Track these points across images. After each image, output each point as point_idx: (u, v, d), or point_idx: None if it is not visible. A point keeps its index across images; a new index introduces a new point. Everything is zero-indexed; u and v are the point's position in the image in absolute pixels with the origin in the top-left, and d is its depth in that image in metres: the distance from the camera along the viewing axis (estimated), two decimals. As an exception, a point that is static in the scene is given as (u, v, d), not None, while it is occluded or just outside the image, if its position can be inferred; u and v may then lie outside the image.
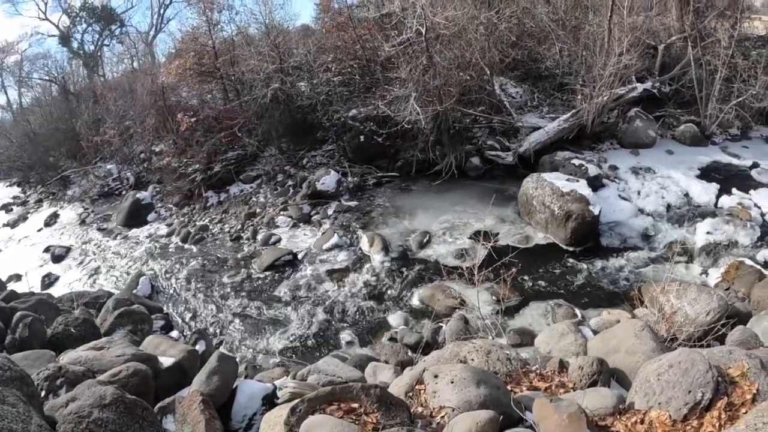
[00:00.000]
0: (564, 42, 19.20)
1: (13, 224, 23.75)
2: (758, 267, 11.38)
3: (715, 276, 11.71)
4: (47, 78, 37.37)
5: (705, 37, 19.04)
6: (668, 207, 14.33)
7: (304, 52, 20.61)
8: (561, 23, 20.24)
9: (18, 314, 9.43)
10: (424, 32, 15.86)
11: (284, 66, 19.56)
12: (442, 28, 16.60)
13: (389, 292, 12.31)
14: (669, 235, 13.36)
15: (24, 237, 21.45)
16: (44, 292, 14.29)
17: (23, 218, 24.24)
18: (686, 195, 14.74)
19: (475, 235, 13.18)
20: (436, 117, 16.42)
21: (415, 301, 11.85)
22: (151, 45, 35.79)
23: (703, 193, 14.68)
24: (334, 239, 14.41)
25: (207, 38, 19.86)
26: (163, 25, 37.35)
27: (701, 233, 13.03)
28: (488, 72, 17.90)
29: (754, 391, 4.88)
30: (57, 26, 36.88)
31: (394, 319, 11.40)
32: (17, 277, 16.59)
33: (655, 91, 18.88)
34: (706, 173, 15.86)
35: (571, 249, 12.98)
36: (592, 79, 16.70)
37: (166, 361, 7.24)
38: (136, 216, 18.95)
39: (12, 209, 26.79)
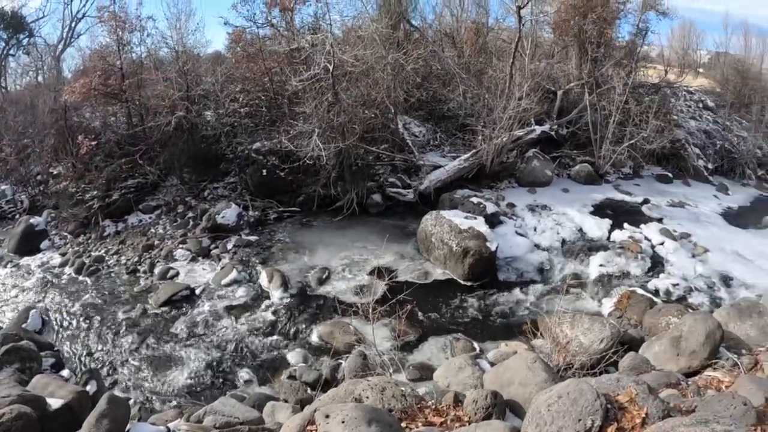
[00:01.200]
0: (468, 85, 19.87)
1: None
2: (649, 295, 12.11)
3: (608, 305, 12.28)
4: (-57, 84, 34.65)
5: (601, 84, 20.32)
6: (563, 242, 14.87)
7: (213, 80, 20.21)
8: (466, 67, 20.97)
9: None
10: (331, 69, 15.95)
11: (191, 94, 19.01)
12: (350, 66, 16.75)
13: (288, 328, 11.96)
14: (564, 268, 13.92)
15: None
16: (-77, 327, 12.96)
17: None
18: (580, 230, 15.34)
19: (375, 272, 13.25)
20: (338, 153, 16.41)
21: (314, 338, 11.57)
22: (59, 59, 33.88)
23: (596, 228, 15.37)
24: (233, 274, 13.92)
25: (115, 58, 19.01)
26: (73, 40, 35.12)
27: (594, 266, 13.68)
28: (393, 111, 18.17)
29: (643, 415, 4.91)
30: (-38, 30, 34.37)
31: (294, 356, 11.03)
32: None
33: (552, 133, 19.91)
34: (600, 209, 16.73)
35: (469, 284, 13.19)
36: (492, 121, 17.27)
37: (54, 403, 6.63)
38: (29, 243, 17.47)
39: None
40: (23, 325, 12.33)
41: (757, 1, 53.38)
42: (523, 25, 19.49)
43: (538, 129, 19.37)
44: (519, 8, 18.65)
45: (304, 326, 11.95)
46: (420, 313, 11.97)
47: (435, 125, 20.82)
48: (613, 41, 22.78)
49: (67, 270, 15.55)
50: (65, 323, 12.94)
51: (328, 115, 16.18)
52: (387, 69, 17.48)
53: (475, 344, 10.97)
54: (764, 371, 7.78)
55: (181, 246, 15.65)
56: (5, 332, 11.05)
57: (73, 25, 35.10)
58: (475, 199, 15.88)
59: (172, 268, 14.73)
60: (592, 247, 14.52)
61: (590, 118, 19.35)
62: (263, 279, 13.63)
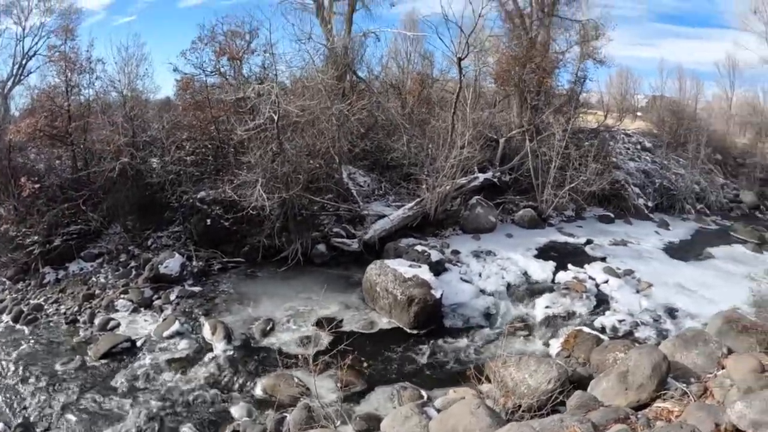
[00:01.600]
0: (411, 134, 20.27)
1: None
2: (595, 333, 12.24)
3: (556, 346, 12.38)
4: None
5: (542, 131, 20.95)
6: (508, 286, 15.10)
7: (159, 127, 19.95)
8: (409, 117, 21.41)
9: None
10: (276, 119, 16.02)
11: (137, 140, 18.74)
12: (296, 116, 16.87)
13: (232, 382, 11.63)
14: (510, 312, 14.15)
15: None
16: None
17: None
18: (525, 274, 15.64)
19: (320, 322, 13.12)
20: (283, 203, 16.37)
21: (258, 391, 11.26)
22: (7, 96, 33.01)
23: (541, 270, 15.70)
24: (176, 326, 13.61)
25: (63, 100, 18.58)
26: (22, 77, 34.37)
27: (540, 308, 13.92)
28: (337, 160, 18.40)
29: (589, 454, 4.93)
30: None
31: (237, 410, 10.70)
32: None
33: (495, 180, 20.43)
34: (544, 252, 17.11)
35: (415, 332, 13.21)
36: (435, 170, 17.62)
37: (-18, 458, 6.32)
38: None
39: None
40: (-44, 376, 11.86)
41: (689, 47, 57.08)
42: (464, 75, 20.13)
43: (481, 176, 19.85)
44: (459, 59, 19.27)
45: (247, 379, 11.65)
46: (366, 363, 11.81)
47: (380, 175, 21.12)
48: (553, 89, 23.68)
49: (4, 318, 15.07)
50: (0, 374, 12.40)
51: (272, 164, 16.19)
52: (332, 119, 17.70)
53: (423, 392, 10.88)
54: (714, 397, 7.99)
55: (122, 296, 15.30)
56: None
57: (23, 62, 34.33)
58: (419, 248, 16.05)
59: (112, 318, 14.37)
60: (538, 289, 14.80)
61: (531, 164, 19.94)
62: (206, 331, 13.36)
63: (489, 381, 9.98)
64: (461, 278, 15.27)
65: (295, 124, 17.44)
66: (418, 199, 17.88)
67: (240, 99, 18.04)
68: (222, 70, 19.62)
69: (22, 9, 32.47)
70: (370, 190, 20.33)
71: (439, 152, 17.85)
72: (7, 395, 11.53)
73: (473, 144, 17.88)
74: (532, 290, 14.76)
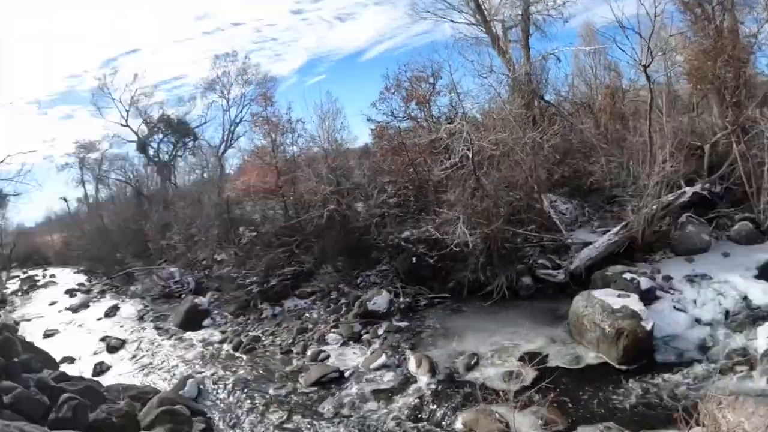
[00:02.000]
0: (609, 154, 19.41)
1: (75, 309, 26.17)
2: None
3: None
4: (123, 179, 41.62)
5: (748, 129, 18.67)
6: (726, 314, 13.71)
7: (361, 173, 21.78)
8: (604, 136, 20.68)
9: (64, 395, 10.37)
10: (470, 156, 16.66)
11: (341, 188, 20.65)
12: (490, 150, 17.37)
13: (433, 414, 11.95)
14: (728, 344, 12.65)
15: (83, 323, 23.28)
16: (94, 378, 14.96)
17: (85, 305, 26.65)
18: (745, 298, 14.01)
19: (525, 357, 13.12)
20: (485, 238, 16.75)
21: (458, 425, 11.36)
22: (221, 158, 38.40)
23: (763, 294, 13.94)
24: (382, 359, 14.54)
25: (271, 158, 21.37)
26: (232, 141, 39.89)
27: (763, 338, 12.25)
28: (536, 190, 18.34)
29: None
30: (136, 133, 40.58)
31: (437, 443, 11.12)
32: (70, 360, 17.89)
33: (705, 192, 18.54)
34: (766, 272, 15.06)
35: (624, 368, 12.41)
36: (638, 190, 16.71)
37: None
38: (193, 320, 20.02)
39: (76, 295, 29.77)
40: (180, 392, 13.99)
41: None
42: (653, 83, 18.88)
43: (689, 190, 18.23)
44: (645, 67, 18.06)
45: (448, 412, 11.87)
46: (570, 401, 11.39)
47: (581, 200, 20.55)
48: (754, 79, 21.10)
49: (226, 347, 17.49)
50: (219, 394, 14.37)
51: (471, 200, 16.81)
52: (526, 149, 17.81)
53: (629, 434, 10.25)
54: None
55: (333, 330, 16.89)
56: (163, 396, 12.70)
57: (231, 128, 39.89)
58: (628, 275, 15.09)
59: (323, 350, 15.91)
60: (760, 316, 13.23)
61: (742, 170, 17.82)
62: (411, 364, 14.09)
63: (698, 424, 9.20)
64: (674, 307, 14.14)
65: (490, 158, 17.86)
66: (623, 223, 17.11)
67: (433, 140, 18.96)
68: (412, 114, 21.10)
69: (223, 84, 39.35)
70: (573, 218, 19.91)
71: (640, 170, 16.95)
72: (224, 412, 13.33)
73: (676, 155, 16.66)
74: (754, 317, 13.20)
